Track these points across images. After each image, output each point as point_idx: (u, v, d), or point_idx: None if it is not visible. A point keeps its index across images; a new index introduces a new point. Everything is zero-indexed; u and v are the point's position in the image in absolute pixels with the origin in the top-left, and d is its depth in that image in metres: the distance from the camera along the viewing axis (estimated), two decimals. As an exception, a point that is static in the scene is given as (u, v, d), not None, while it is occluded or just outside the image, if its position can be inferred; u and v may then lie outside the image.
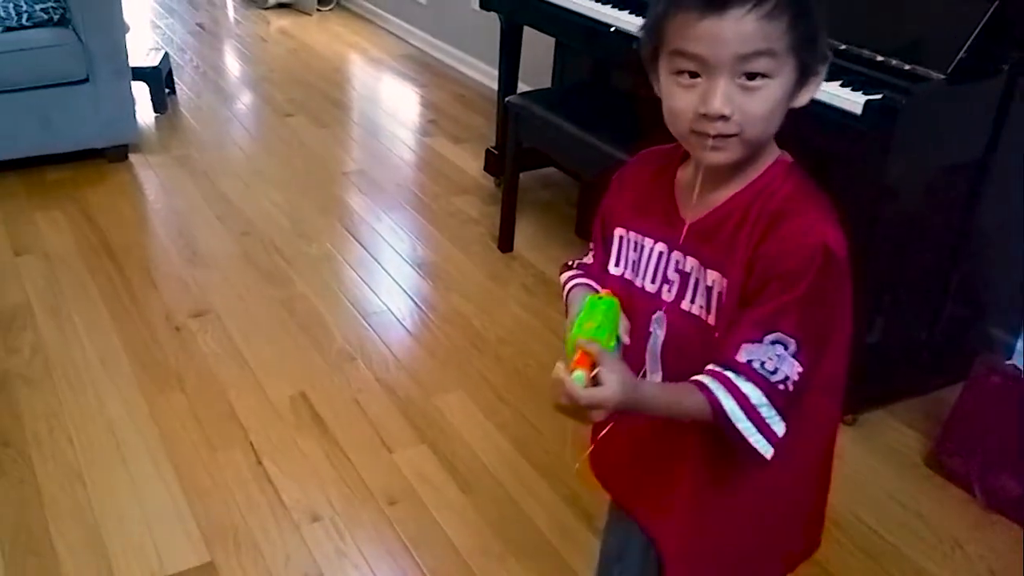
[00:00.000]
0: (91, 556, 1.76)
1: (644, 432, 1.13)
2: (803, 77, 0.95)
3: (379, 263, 2.87)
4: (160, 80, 3.84)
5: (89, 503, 1.88)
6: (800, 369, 0.95)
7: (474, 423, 2.16)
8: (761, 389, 0.95)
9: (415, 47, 4.97)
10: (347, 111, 4.18)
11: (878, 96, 1.82)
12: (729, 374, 0.95)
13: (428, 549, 1.81)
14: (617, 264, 1.11)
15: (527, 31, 3.04)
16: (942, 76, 1.84)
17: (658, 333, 1.07)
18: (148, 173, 3.39)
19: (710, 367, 0.97)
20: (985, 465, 1.92)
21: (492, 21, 3.15)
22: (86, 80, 3.19)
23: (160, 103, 3.86)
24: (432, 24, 4.85)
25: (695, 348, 1.02)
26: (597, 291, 1.09)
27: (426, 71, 4.64)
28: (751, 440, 0.96)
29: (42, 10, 3.19)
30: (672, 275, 1.05)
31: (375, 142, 3.84)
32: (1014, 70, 1.90)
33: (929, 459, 2.03)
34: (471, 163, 3.53)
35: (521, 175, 2.94)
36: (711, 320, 1.02)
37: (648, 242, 1.07)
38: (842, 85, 1.88)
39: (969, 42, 1.84)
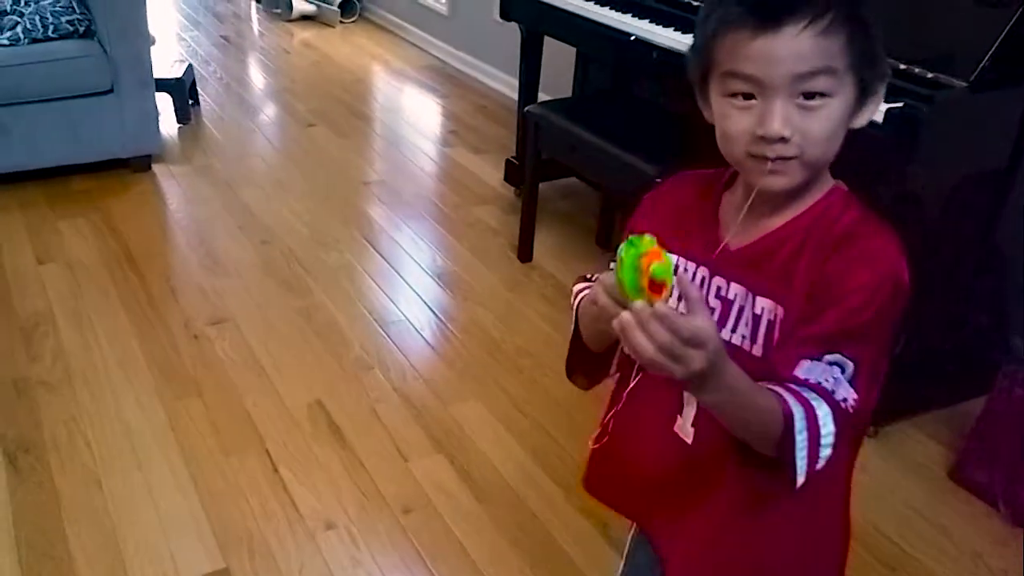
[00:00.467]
0: (106, 560, 1.76)
1: (674, 455, 1.06)
2: (863, 96, 0.91)
3: (398, 273, 2.87)
4: (184, 91, 3.88)
5: (106, 507, 1.89)
6: (856, 396, 0.89)
7: (491, 433, 2.15)
8: (827, 404, 0.88)
9: (437, 58, 4.99)
10: (368, 122, 4.20)
11: (900, 104, 1.80)
12: (793, 387, 0.89)
13: (443, 559, 1.80)
14: None
15: (548, 41, 3.05)
16: (964, 84, 1.83)
17: None
18: (171, 183, 3.42)
19: (770, 384, 0.90)
20: (1010, 478, 1.89)
21: (513, 32, 3.16)
22: (111, 91, 3.23)
23: (184, 114, 3.90)
24: (454, 35, 4.87)
25: None
26: None
27: (447, 82, 4.65)
28: (797, 456, 0.88)
29: (68, 22, 3.24)
30: (712, 302, 0.98)
31: (396, 152, 3.85)
32: (1039, 78, 1.87)
33: (953, 472, 2.00)
34: (491, 173, 3.54)
35: (541, 185, 2.93)
36: (756, 351, 0.95)
37: (689, 266, 1.01)
38: (863, 93, 1.87)
39: (992, 50, 1.83)
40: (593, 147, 2.51)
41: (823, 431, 0.88)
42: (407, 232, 3.12)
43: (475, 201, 3.34)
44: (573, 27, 2.73)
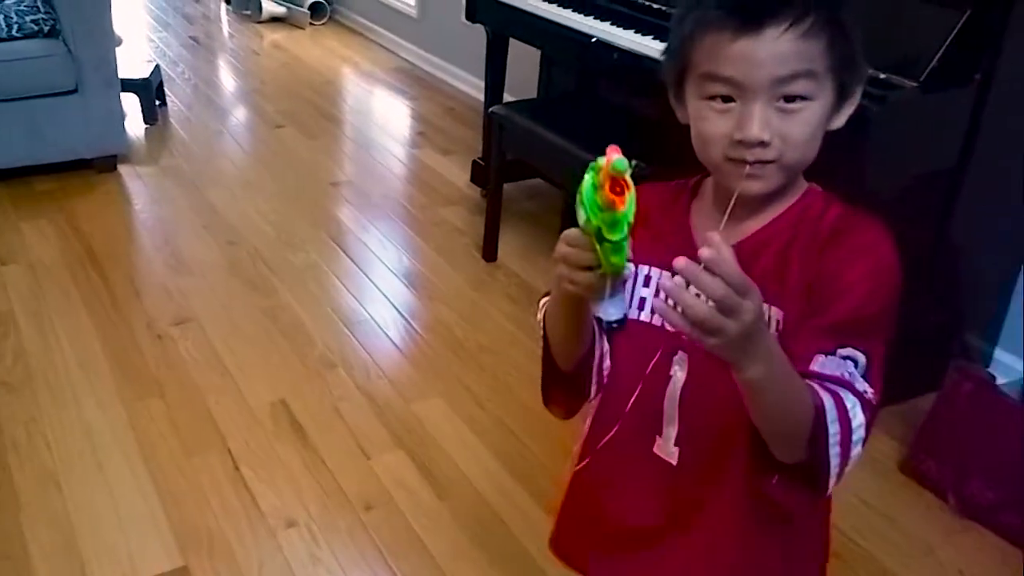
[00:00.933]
0: (65, 560, 1.76)
1: (657, 483, 1.02)
2: (841, 98, 0.91)
3: (364, 273, 2.88)
4: (150, 92, 3.87)
5: (64, 508, 1.88)
6: (872, 390, 0.88)
7: (453, 430, 2.16)
8: (853, 394, 0.86)
9: (406, 60, 5.00)
10: (337, 123, 4.20)
11: (850, 104, 1.84)
12: (813, 382, 0.86)
13: (403, 555, 1.81)
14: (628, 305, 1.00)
15: (516, 44, 3.07)
16: (915, 84, 1.86)
17: (679, 375, 0.98)
18: (136, 184, 3.40)
19: None
20: (959, 472, 1.93)
21: (482, 34, 3.17)
22: (75, 91, 3.21)
23: (150, 115, 3.88)
24: (423, 38, 4.88)
25: (721, 391, 0.89)
26: None
27: (417, 84, 4.67)
28: (831, 453, 0.84)
29: (32, 21, 3.22)
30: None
31: (364, 154, 3.86)
32: (986, 79, 1.92)
33: (904, 466, 2.04)
34: (458, 175, 3.55)
35: (507, 186, 2.95)
36: None
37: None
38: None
39: (942, 51, 1.87)
40: (556, 147, 2.53)
41: (854, 423, 0.85)
42: (374, 233, 3.13)
43: (442, 202, 3.36)
44: (536, 29, 2.76)
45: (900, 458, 2.08)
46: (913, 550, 1.87)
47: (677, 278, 0.73)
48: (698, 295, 0.73)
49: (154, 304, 2.62)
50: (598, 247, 0.79)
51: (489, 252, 2.92)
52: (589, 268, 0.82)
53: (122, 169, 3.46)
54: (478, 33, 3.22)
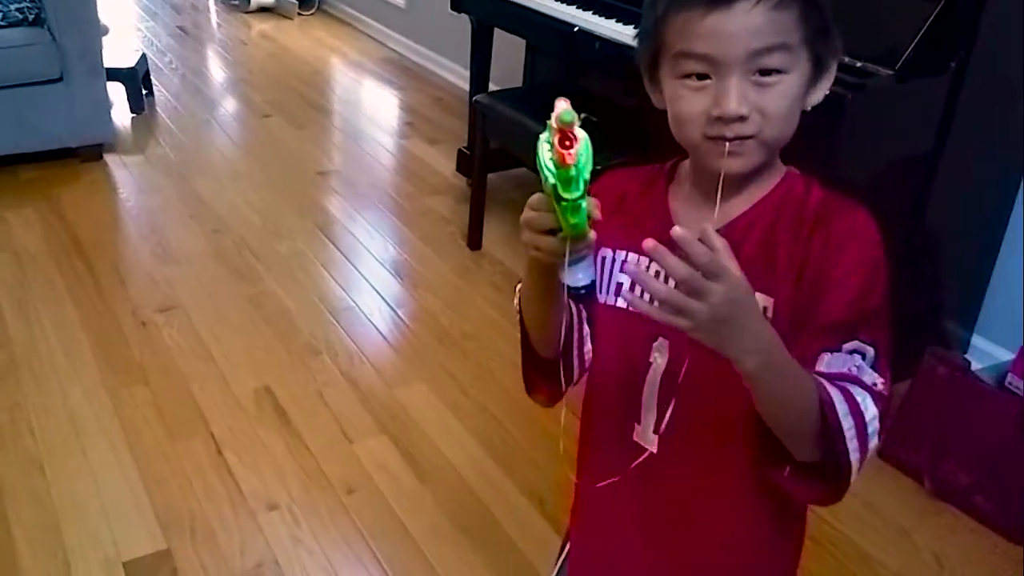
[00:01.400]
0: (47, 543, 1.77)
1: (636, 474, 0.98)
2: (817, 72, 0.89)
3: (349, 261, 2.89)
4: (136, 81, 3.86)
5: (48, 492, 1.89)
6: (882, 380, 0.86)
7: (435, 415, 2.18)
8: (861, 387, 0.85)
9: (394, 51, 5.00)
10: (325, 113, 4.21)
11: (826, 93, 1.85)
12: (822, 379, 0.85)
13: (383, 536, 1.83)
14: (603, 292, 0.98)
15: (503, 35, 3.08)
16: (891, 73, 1.88)
17: (659, 362, 0.96)
18: (122, 172, 3.41)
19: None
20: (934, 455, 1.95)
21: (468, 24, 3.18)
22: (60, 79, 3.21)
23: (137, 104, 3.88)
24: (411, 28, 4.88)
25: (707, 380, 0.90)
26: None
27: (404, 74, 4.67)
28: (850, 447, 0.83)
29: (17, 10, 3.22)
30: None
31: (351, 143, 3.87)
32: (961, 66, 1.94)
33: (881, 450, 2.06)
34: (445, 164, 3.56)
35: (492, 175, 2.97)
36: None
37: (643, 260, 0.92)
38: (793, 81, 1.92)
39: (917, 39, 1.88)
40: (538, 136, 2.54)
41: (867, 415, 0.83)
42: (360, 221, 3.14)
43: (428, 191, 3.37)
44: (520, 18, 2.77)
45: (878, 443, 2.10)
46: (889, 532, 1.89)
47: (642, 260, 0.74)
48: (664, 278, 0.74)
49: (139, 292, 2.63)
50: (557, 208, 0.78)
51: (474, 240, 2.93)
52: (552, 232, 0.80)
53: (108, 158, 3.46)
54: (465, 23, 3.23)
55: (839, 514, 1.91)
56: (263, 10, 5.62)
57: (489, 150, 2.84)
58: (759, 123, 0.86)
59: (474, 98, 2.81)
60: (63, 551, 1.76)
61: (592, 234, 0.80)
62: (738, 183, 0.91)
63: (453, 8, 3.10)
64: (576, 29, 2.51)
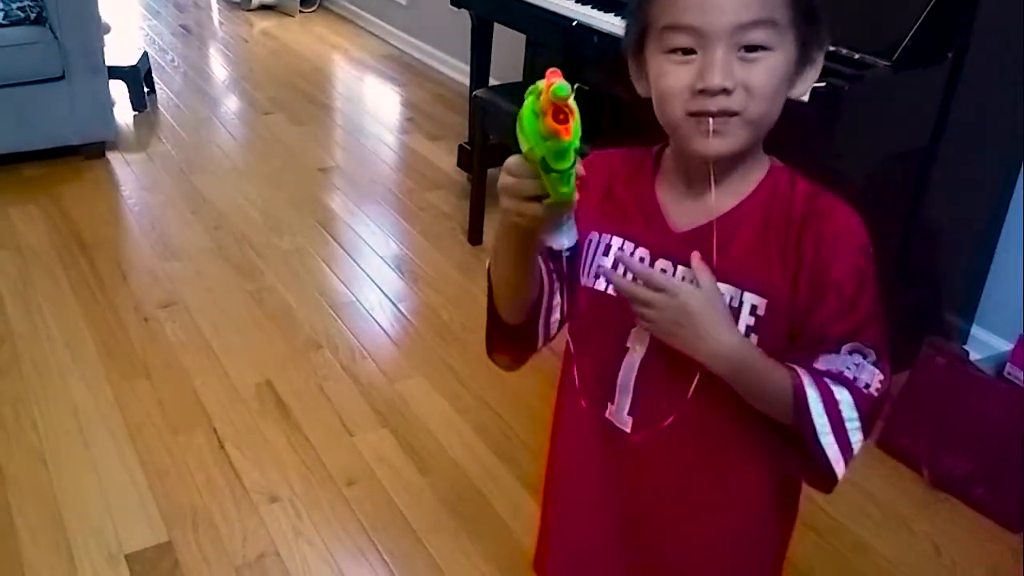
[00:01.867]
0: (51, 536, 1.79)
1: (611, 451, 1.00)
2: (802, 60, 0.89)
3: (350, 256, 2.90)
4: (138, 78, 3.88)
5: (51, 485, 1.91)
6: (881, 377, 0.88)
7: (436, 408, 2.19)
8: (846, 388, 0.87)
9: (396, 47, 5.01)
10: (326, 110, 4.22)
11: (823, 83, 1.86)
12: (813, 375, 0.88)
13: (384, 528, 1.84)
14: (585, 275, 0.98)
15: (504, 30, 3.08)
16: (888, 63, 1.88)
17: (636, 350, 0.95)
18: (125, 170, 3.42)
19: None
20: (933, 445, 1.96)
21: (469, 20, 3.19)
22: (62, 78, 3.22)
23: (139, 101, 3.89)
24: (412, 24, 4.89)
25: (689, 370, 0.91)
26: None
27: (406, 71, 4.68)
28: (824, 442, 0.86)
29: (19, 8, 3.23)
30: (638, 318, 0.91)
31: (352, 140, 3.88)
32: (958, 57, 1.94)
33: (880, 440, 2.06)
34: (446, 159, 3.57)
35: (493, 171, 2.96)
36: None
37: (627, 246, 0.95)
38: (790, 73, 1.92)
39: (914, 30, 1.89)
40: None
41: (846, 415, 0.86)
42: (361, 217, 3.15)
43: (429, 186, 3.38)
44: (519, 13, 2.77)
45: (876, 433, 2.10)
46: (888, 521, 1.90)
47: (627, 245, 0.84)
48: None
49: (141, 288, 2.64)
50: (544, 177, 0.75)
51: (475, 235, 2.94)
52: (535, 198, 0.79)
53: (110, 155, 3.48)
54: (466, 19, 3.23)
55: (837, 503, 1.92)
56: (265, 8, 5.62)
57: (489, 145, 2.84)
58: (744, 99, 0.85)
59: (474, 93, 2.82)
60: (66, 543, 1.77)
61: (576, 195, 0.79)
62: (722, 174, 0.90)
63: (453, 4, 3.11)
64: (575, 23, 2.51)
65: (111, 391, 2.20)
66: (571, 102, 0.71)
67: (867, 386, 0.87)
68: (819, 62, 0.91)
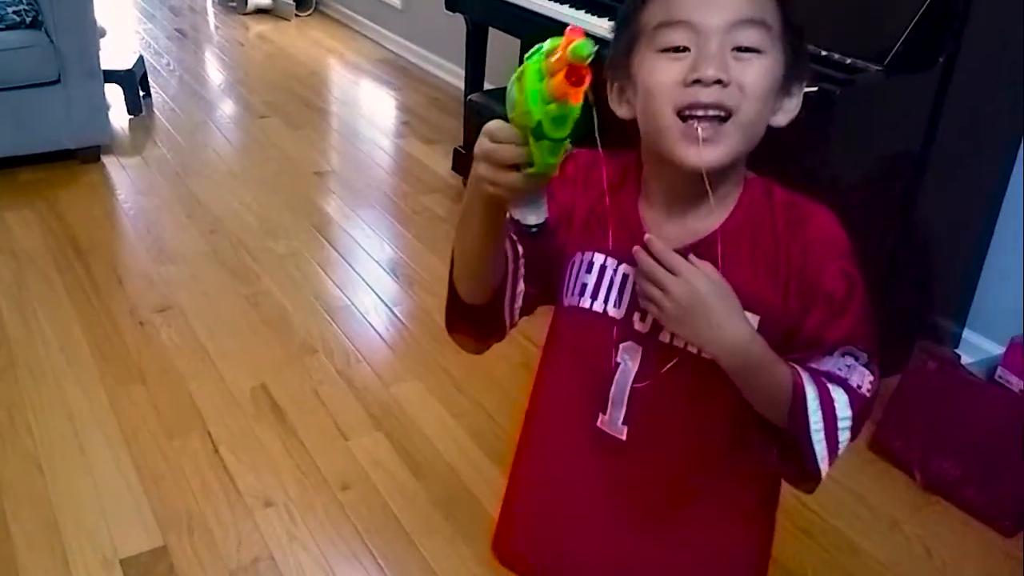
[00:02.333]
0: (46, 541, 1.79)
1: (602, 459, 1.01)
2: (789, 75, 0.88)
3: (346, 260, 2.91)
4: (134, 82, 3.88)
5: (46, 490, 1.91)
6: (872, 378, 0.90)
7: (431, 412, 2.20)
8: (842, 388, 0.88)
9: (391, 51, 5.02)
10: (322, 114, 4.22)
11: (815, 88, 1.87)
12: (811, 374, 0.89)
13: (378, 532, 1.84)
14: (568, 293, 0.98)
15: (500, 35, 3.09)
16: (879, 68, 1.90)
17: (628, 365, 0.94)
18: (120, 174, 3.42)
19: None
20: (924, 448, 1.97)
21: (464, 24, 3.20)
22: (57, 82, 3.23)
23: (134, 105, 3.90)
24: (408, 29, 4.90)
25: (684, 387, 0.92)
26: None
27: (402, 75, 4.69)
28: (814, 440, 0.87)
29: (14, 12, 3.23)
30: (643, 303, 0.88)
31: (348, 144, 3.89)
32: (949, 62, 1.95)
33: (872, 443, 2.07)
34: (441, 163, 3.58)
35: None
36: (707, 354, 0.87)
37: (609, 262, 0.94)
38: (782, 78, 1.93)
39: (905, 35, 1.90)
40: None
41: (839, 414, 0.87)
42: (357, 221, 3.16)
43: (424, 190, 3.39)
44: (513, 17, 2.78)
45: (868, 436, 2.12)
46: (879, 524, 1.91)
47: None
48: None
49: (136, 292, 2.65)
50: (533, 144, 0.70)
51: (469, 239, 2.95)
52: (515, 167, 0.74)
53: (105, 160, 3.48)
54: (462, 24, 3.25)
55: (829, 506, 1.93)
56: (260, 12, 5.63)
57: (483, 149, 2.85)
58: (737, 97, 0.83)
59: (468, 97, 2.83)
60: (61, 548, 1.77)
61: (555, 171, 0.75)
62: (703, 195, 0.87)
63: (448, 8, 3.12)
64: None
65: (106, 395, 2.20)
66: (587, 66, 0.67)
67: (859, 387, 0.88)
68: (799, 96, 0.90)
